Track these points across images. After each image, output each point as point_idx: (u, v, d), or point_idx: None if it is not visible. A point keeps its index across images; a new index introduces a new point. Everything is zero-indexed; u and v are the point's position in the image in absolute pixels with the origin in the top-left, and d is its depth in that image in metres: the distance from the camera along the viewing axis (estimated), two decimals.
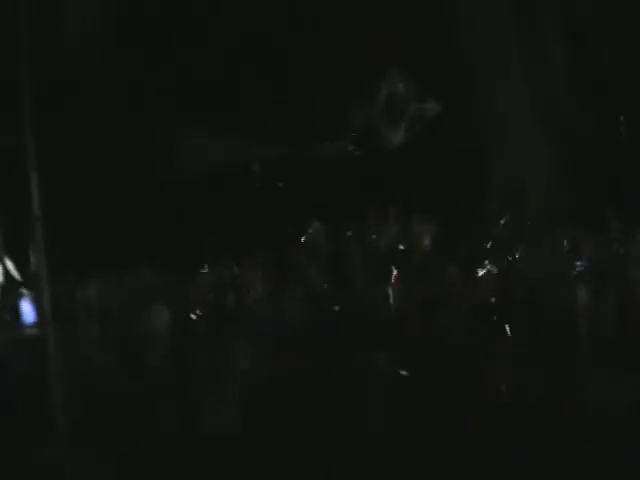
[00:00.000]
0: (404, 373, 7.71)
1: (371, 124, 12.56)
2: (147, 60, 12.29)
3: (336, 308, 9.62)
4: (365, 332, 8.73)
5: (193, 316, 9.36)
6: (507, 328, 8.63)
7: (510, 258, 10.80)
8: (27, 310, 8.35)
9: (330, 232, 12.07)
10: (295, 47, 12.62)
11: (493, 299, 9.53)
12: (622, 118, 12.92)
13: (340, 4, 12.39)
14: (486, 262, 10.59)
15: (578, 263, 10.25)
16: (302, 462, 6.61)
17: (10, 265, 8.76)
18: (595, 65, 12.88)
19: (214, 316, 9.39)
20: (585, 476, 6.23)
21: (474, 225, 12.03)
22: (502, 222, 11.97)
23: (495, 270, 10.28)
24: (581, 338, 8.55)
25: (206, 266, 10.69)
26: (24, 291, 8.50)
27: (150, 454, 6.89)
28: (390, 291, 9.80)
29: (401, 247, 11.90)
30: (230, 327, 8.89)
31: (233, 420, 7.11)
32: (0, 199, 8.41)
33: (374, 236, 12.16)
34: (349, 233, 12.06)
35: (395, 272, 10.44)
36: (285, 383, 7.69)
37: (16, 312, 8.44)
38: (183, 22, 12.47)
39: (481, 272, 10.45)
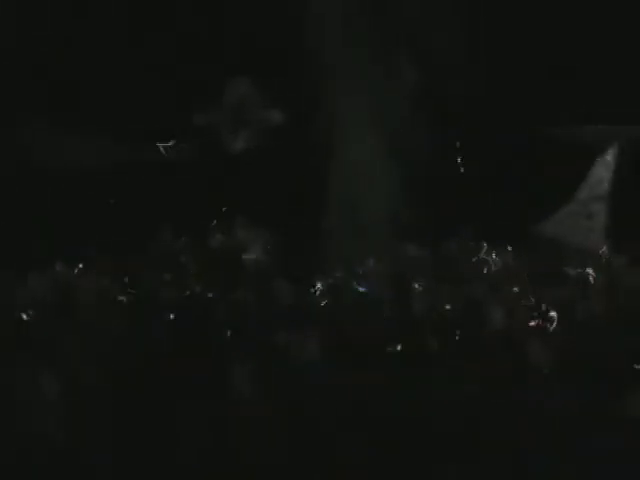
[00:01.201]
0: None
1: (214, 129, 12.44)
2: None
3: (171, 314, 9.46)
4: (201, 337, 8.59)
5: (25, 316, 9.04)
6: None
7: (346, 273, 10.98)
8: None
9: (169, 236, 11.92)
10: (139, 47, 12.43)
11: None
12: (461, 139, 13.21)
13: (188, 3, 12.28)
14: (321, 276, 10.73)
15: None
16: None
17: None
18: (441, 85, 13.21)
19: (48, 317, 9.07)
20: None
21: (311, 238, 12.11)
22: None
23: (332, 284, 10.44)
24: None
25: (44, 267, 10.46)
26: None
27: None
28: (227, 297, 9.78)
29: (238, 255, 11.87)
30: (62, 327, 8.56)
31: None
32: None
33: (213, 242, 12.08)
34: (186, 238, 11.95)
35: (231, 279, 10.41)
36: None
37: None
38: None
39: (316, 286, 10.53)
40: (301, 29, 12.46)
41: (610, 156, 11.97)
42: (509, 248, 12.01)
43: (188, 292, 10.15)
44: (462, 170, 12.71)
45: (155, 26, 12.60)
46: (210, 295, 10.13)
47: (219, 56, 12.22)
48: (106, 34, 12.57)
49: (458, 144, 12.95)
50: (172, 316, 9.39)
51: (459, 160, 12.62)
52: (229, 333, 8.49)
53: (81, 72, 12.59)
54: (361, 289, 9.82)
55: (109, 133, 12.41)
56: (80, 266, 10.89)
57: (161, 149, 12.48)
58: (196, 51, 12.36)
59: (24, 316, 9.00)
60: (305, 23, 12.36)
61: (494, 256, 11.41)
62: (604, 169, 11.90)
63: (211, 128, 12.48)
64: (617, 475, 5.89)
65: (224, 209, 12.35)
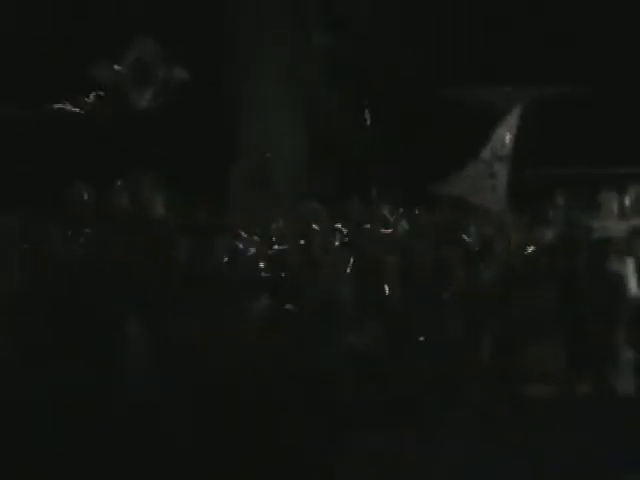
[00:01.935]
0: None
1: (117, 86, 12.24)
2: None
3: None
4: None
5: None
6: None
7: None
8: None
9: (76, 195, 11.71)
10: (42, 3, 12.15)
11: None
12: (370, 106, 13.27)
13: None
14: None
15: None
16: None
17: None
18: (354, 53, 13.24)
19: None
20: None
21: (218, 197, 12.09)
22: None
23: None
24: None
25: None
26: None
27: None
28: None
29: (143, 214, 11.75)
30: None
31: None
32: None
33: (119, 200, 11.91)
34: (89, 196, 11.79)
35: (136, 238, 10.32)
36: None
37: None
38: None
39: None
40: None
41: (513, 117, 12.19)
42: (415, 210, 12.21)
43: (90, 251, 10.04)
44: (368, 131, 12.77)
45: None
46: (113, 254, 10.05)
47: (122, 13, 12.02)
48: None
49: (366, 106, 13.01)
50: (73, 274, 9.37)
51: (366, 120, 12.67)
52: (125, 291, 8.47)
53: None
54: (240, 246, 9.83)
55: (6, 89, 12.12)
56: None
57: (63, 106, 12.23)
58: (100, 8, 12.14)
59: None
60: None
61: (397, 217, 11.59)
62: (507, 130, 12.12)
63: (115, 85, 12.28)
64: None
65: (130, 167, 12.19)
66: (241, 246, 9.96)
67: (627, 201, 18.52)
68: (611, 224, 15.91)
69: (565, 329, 8.70)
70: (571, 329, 8.60)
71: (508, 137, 12.00)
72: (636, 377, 8.63)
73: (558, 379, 8.44)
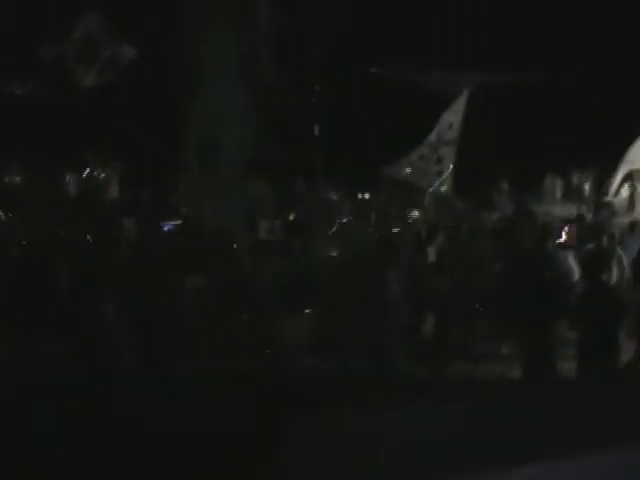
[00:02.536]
0: None
1: (64, 63, 12.07)
2: None
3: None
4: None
5: None
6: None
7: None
8: None
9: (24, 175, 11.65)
10: None
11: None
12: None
13: None
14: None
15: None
16: None
17: None
18: (297, 26, 13.17)
19: None
20: None
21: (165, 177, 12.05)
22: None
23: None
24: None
25: None
26: None
27: None
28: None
29: (90, 193, 11.70)
30: None
31: None
32: None
33: (66, 179, 11.85)
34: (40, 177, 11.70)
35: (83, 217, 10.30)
36: None
37: None
38: None
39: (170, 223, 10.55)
40: None
41: (460, 102, 12.31)
42: (362, 194, 12.33)
43: (34, 231, 9.98)
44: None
45: None
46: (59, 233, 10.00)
47: None
48: None
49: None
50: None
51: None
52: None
53: None
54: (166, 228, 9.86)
55: None
56: None
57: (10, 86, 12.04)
58: None
59: None
60: None
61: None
62: (454, 114, 12.24)
63: (61, 63, 12.10)
64: None
65: (77, 146, 12.09)
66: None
67: (570, 187, 18.86)
68: (554, 209, 16.24)
69: (509, 311, 8.81)
70: (515, 311, 8.70)
71: (455, 121, 12.12)
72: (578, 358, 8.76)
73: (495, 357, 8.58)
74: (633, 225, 10.90)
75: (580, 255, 9.31)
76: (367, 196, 13.09)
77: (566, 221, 11.24)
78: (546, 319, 7.96)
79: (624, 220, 12.31)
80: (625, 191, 17.48)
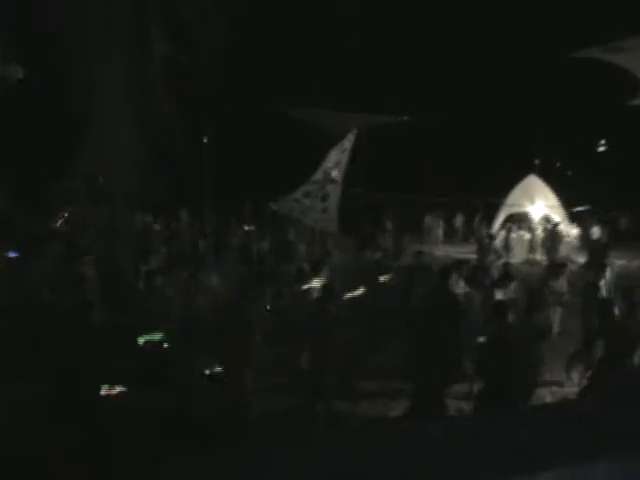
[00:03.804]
0: None
1: None
2: None
3: None
4: None
5: None
6: None
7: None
8: None
9: None
10: None
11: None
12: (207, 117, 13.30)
13: None
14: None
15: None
16: None
17: None
18: (192, 63, 13.25)
19: None
20: None
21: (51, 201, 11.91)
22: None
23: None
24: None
25: None
26: None
27: None
28: None
29: None
30: None
31: None
32: None
33: None
34: None
35: None
36: None
37: None
38: None
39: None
40: None
41: (348, 141, 12.49)
42: (245, 226, 12.37)
43: None
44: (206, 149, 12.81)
45: None
46: None
47: None
48: None
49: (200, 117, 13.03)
50: None
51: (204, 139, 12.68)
52: None
53: None
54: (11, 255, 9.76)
55: None
56: None
57: None
58: None
59: None
60: None
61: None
62: (341, 153, 12.40)
63: None
64: None
65: None
66: None
67: (452, 227, 19.38)
68: (437, 249, 16.69)
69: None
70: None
71: (342, 160, 12.29)
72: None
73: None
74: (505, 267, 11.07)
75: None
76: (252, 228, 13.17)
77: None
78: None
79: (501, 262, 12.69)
80: (504, 233, 18.20)
